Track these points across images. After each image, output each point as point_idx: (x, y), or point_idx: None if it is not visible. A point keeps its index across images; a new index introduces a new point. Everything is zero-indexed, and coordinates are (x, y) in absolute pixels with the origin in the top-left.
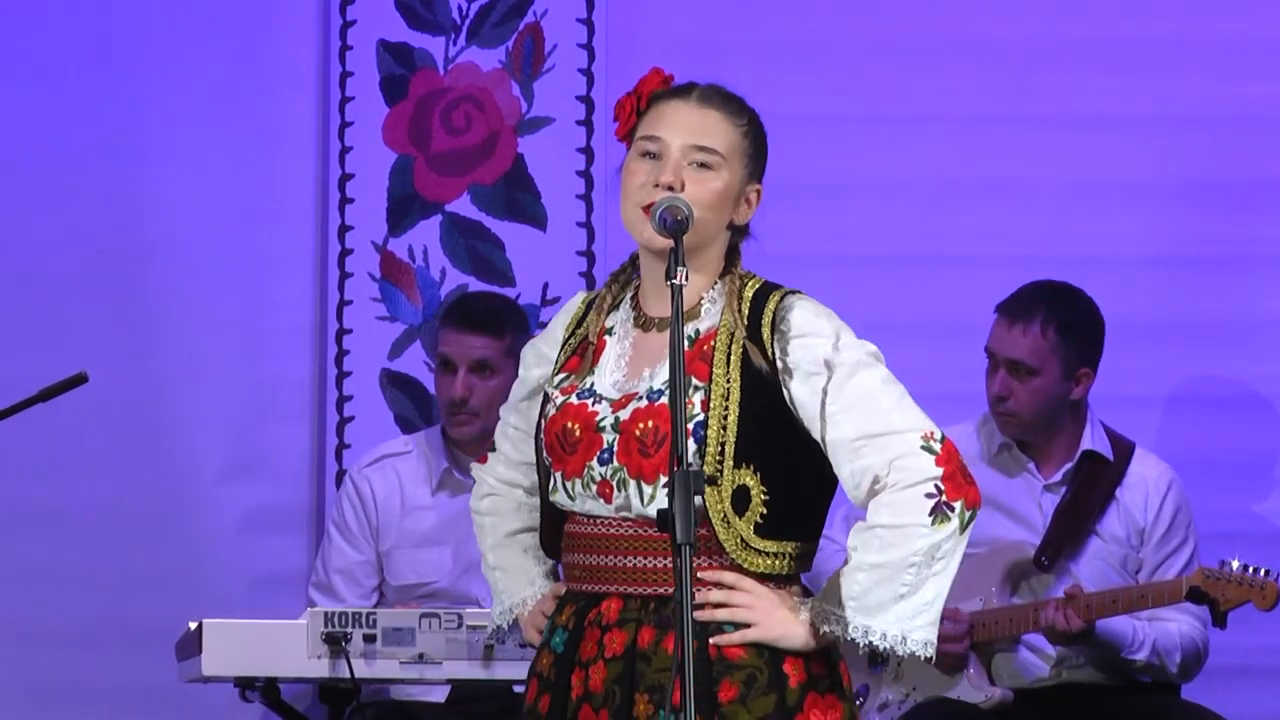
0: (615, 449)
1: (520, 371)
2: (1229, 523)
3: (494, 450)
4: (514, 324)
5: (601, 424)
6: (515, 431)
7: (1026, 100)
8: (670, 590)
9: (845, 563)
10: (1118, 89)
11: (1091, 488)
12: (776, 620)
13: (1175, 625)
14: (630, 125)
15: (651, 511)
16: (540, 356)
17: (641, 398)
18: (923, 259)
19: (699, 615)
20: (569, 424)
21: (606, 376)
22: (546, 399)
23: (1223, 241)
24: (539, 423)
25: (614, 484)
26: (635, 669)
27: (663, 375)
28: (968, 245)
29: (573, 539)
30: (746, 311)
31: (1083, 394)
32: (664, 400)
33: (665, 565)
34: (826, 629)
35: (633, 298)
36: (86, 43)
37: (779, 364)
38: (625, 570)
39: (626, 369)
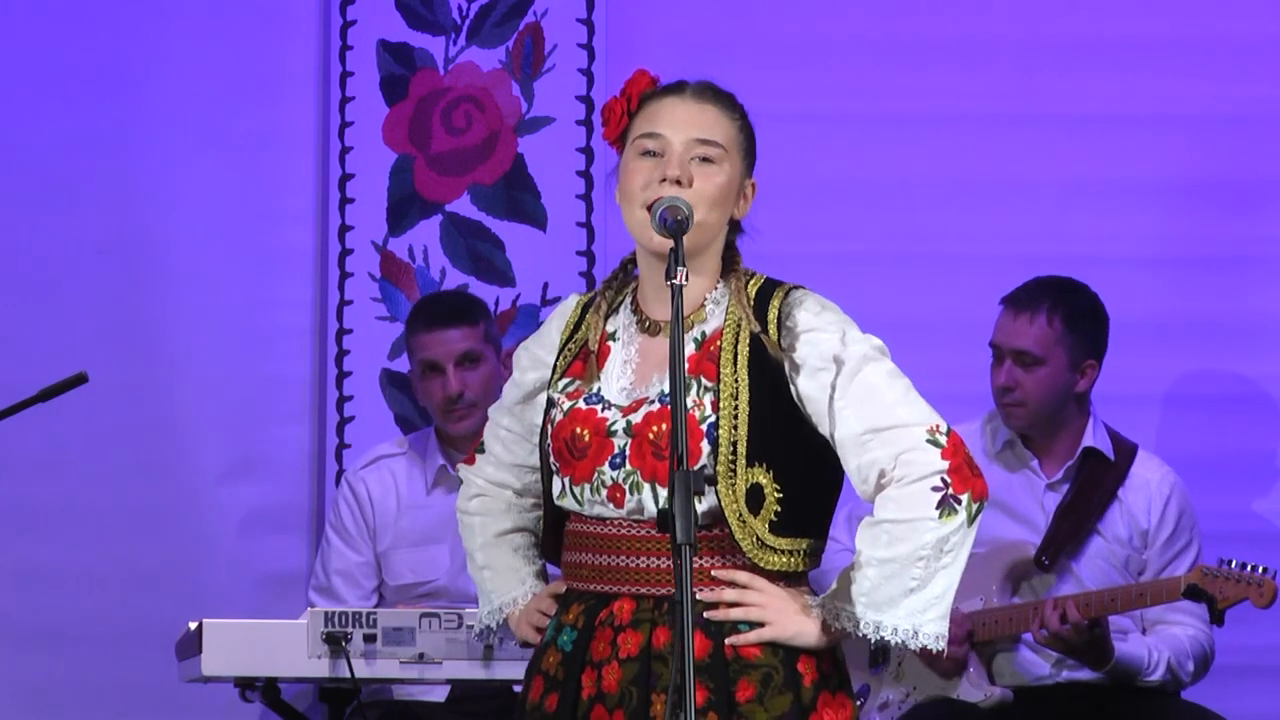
0: (628, 453)
1: (515, 374)
2: (1229, 522)
3: (481, 451)
4: (481, 310)
5: (613, 429)
6: (507, 434)
7: (1026, 100)
8: None
9: (854, 560)
10: (1118, 89)
11: (1093, 486)
12: (790, 618)
13: (1181, 630)
14: (622, 127)
15: None
16: (535, 360)
17: (653, 401)
18: (923, 259)
19: (715, 615)
20: (577, 429)
21: (614, 382)
22: (551, 404)
23: (1223, 241)
24: (544, 428)
25: (626, 488)
26: (651, 670)
27: None
28: (968, 245)
29: (579, 539)
30: (753, 308)
31: (1087, 387)
32: None
33: None
34: (838, 626)
35: (632, 301)
36: (87, 43)
37: (787, 361)
38: (637, 571)
39: (634, 375)
